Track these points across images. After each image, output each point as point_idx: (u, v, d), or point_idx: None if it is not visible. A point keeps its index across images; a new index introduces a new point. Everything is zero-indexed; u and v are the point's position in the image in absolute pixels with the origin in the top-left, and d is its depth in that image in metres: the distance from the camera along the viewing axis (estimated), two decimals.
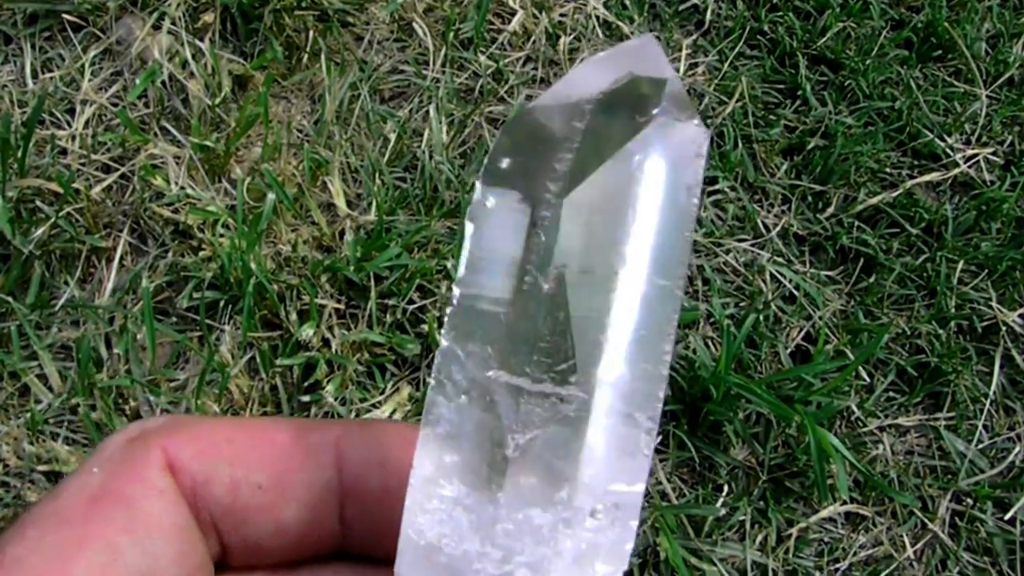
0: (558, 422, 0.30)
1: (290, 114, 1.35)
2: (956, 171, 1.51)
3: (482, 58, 1.45)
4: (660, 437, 1.21)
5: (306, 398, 1.15)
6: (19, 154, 1.21)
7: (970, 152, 1.53)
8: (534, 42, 1.48)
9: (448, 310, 0.31)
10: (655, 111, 0.31)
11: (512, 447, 0.30)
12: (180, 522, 0.32)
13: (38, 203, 1.21)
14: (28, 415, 1.11)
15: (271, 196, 1.21)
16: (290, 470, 0.33)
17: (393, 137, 1.33)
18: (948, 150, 1.52)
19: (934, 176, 1.50)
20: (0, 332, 1.15)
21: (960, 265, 1.41)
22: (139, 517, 0.31)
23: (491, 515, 0.30)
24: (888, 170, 1.48)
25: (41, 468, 1.09)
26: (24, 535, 0.29)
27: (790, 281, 1.35)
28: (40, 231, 1.18)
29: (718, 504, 1.18)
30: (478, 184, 0.31)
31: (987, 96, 1.60)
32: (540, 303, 0.30)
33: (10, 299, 1.16)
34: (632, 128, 0.31)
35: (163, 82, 1.33)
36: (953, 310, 1.38)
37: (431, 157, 1.32)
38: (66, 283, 1.20)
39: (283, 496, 0.33)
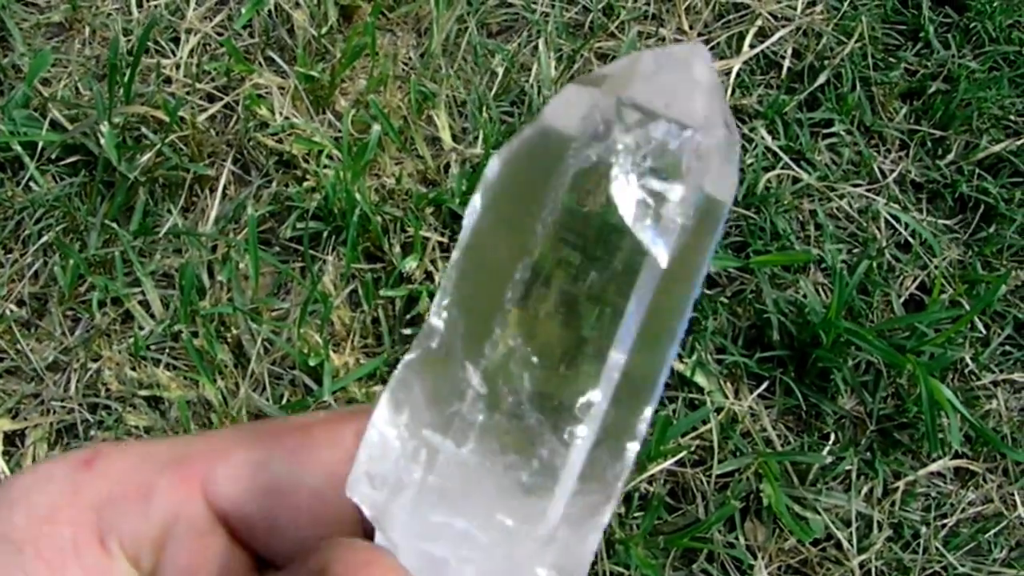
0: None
1: (396, 47, 1.33)
2: None
3: None
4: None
5: (408, 331, 1.14)
6: (125, 80, 1.21)
7: None
8: None
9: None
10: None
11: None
12: None
13: (143, 130, 1.21)
14: (131, 340, 1.11)
15: (376, 128, 1.19)
16: None
17: (500, 71, 1.30)
18: None
19: None
20: (104, 258, 1.16)
21: None
22: None
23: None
24: (1012, 117, 1.42)
25: (143, 393, 1.10)
26: None
27: (906, 227, 1.31)
28: (145, 158, 1.18)
29: (824, 453, 1.15)
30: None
31: None
32: None
33: (114, 225, 1.16)
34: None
35: (269, 12, 1.32)
36: None
37: (539, 92, 1.29)
38: (169, 211, 1.20)
39: None
